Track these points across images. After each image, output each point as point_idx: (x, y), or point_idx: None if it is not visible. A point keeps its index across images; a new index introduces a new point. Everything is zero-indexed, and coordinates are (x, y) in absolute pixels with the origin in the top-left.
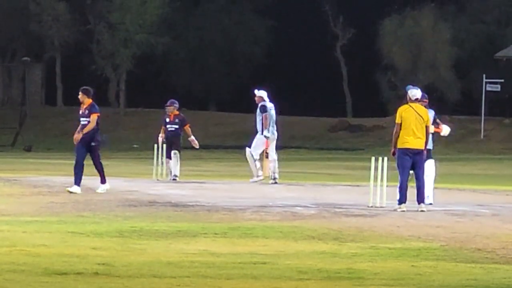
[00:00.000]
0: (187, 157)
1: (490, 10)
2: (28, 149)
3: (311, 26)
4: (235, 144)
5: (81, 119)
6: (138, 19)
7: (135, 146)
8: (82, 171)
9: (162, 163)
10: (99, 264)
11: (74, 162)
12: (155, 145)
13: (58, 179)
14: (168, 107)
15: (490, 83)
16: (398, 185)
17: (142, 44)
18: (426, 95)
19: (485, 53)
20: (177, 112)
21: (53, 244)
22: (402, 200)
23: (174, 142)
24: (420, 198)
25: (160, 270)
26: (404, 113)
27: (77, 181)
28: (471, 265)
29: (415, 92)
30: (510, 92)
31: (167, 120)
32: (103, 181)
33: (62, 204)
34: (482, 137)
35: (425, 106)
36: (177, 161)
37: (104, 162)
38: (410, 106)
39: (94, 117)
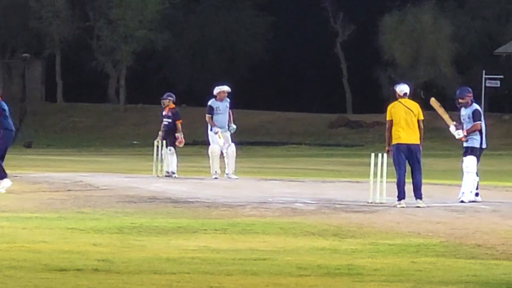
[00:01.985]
0: (186, 153)
1: (490, 6)
2: (28, 146)
3: (311, 23)
4: (235, 140)
5: None
6: (138, 15)
7: (135, 142)
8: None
9: (162, 159)
10: (99, 260)
11: None
12: (155, 142)
13: (58, 176)
14: (163, 100)
15: (490, 79)
16: (396, 181)
17: (142, 40)
18: (469, 89)
19: (485, 49)
20: (172, 106)
21: (53, 240)
22: (401, 196)
23: (169, 136)
24: (417, 194)
25: (160, 266)
26: (393, 109)
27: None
28: (471, 261)
29: (402, 87)
30: (509, 88)
31: (163, 113)
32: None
33: (62, 200)
34: None
35: (470, 101)
36: (174, 157)
37: (104, 159)
38: (399, 102)
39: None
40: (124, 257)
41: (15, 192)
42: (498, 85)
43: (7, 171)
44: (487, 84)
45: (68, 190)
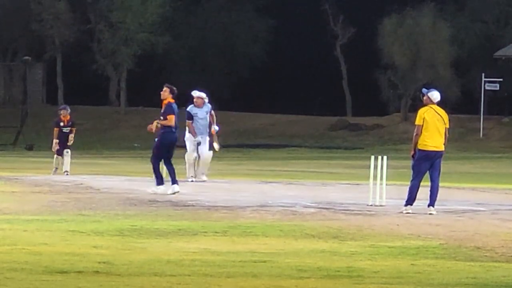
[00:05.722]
0: None
1: (489, 10)
2: (30, 148)
3: (311, 25)
4: (235, 143)
5: None
6: (139, 18)
7: (135, 145)
8: None
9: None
10: (99, 262)
11: None
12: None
13: (59, 178)
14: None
15: (489, 82)
16: (409, 186)
17: (142, 43)
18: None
19: (484, 52)
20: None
21: (54, 242)
22: (410, 202)
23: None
24: (431, 201)
25: (161, 268)
26: (426, 114)
27: None
28: (470, 264)
29: (437, 95)
30: (509, 91)
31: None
32: None
33: (63, 202)
34: (481, 135)
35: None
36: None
37: (104, 161)
38: (431, 107)
39: None
40: (125, 259)
41: (16, 194)
42: (497, 88)
43: (9, 174)
44: (487, 87)
45: (69, 193)
